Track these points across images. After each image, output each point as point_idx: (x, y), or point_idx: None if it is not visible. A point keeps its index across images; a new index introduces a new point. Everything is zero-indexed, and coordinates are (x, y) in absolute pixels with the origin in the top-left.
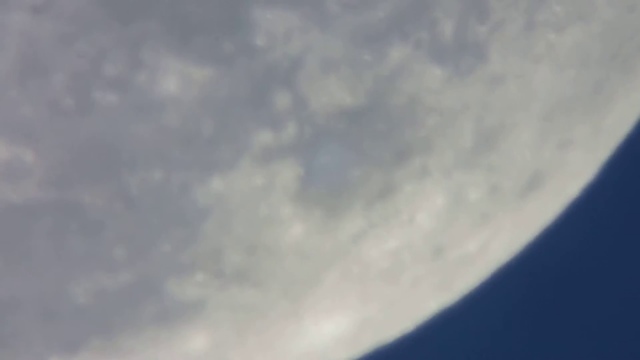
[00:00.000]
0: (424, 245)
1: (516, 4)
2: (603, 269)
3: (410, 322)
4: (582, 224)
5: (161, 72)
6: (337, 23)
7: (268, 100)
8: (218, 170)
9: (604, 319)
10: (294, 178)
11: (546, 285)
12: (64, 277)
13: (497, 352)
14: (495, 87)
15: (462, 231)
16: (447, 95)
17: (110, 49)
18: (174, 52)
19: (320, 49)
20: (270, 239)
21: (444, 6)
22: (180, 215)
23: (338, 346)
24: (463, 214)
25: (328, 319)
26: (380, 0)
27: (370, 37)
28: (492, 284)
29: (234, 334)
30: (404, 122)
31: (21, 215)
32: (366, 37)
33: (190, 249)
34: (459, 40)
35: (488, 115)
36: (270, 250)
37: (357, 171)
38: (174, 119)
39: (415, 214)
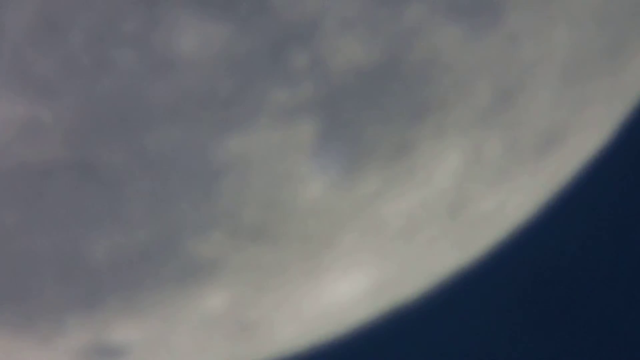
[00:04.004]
0: (440, 204)
1: None
2: (624, 229)
3: (427, 281)
4: (600, 184)
5: (179, 30)
6: None
7: (285, 58)
8: (235, 129)
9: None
10: (311, 136)
11: (568, 244)
12: (81, 236)
13: (512, 314)
14: (512, 45)
15: (479, 190)
16: (463, 53)
17: (128, 7)
18: (192, 10)
19: (337, 7)
20: (287, 197)
21: None
22: (197, 174)
23: (354, 305)
24: (480, 172)
25: (345, 278)
26: None
27: None
28: (510, 245)
29: (252, 293)
30: (421, 80)
31: (39, 174)
32: None
33: (208, 208)
34: None
35: (505, 73)
36: (288, 209)
37: (373, 129)
38: (191, 78)
39: (432, 172)
